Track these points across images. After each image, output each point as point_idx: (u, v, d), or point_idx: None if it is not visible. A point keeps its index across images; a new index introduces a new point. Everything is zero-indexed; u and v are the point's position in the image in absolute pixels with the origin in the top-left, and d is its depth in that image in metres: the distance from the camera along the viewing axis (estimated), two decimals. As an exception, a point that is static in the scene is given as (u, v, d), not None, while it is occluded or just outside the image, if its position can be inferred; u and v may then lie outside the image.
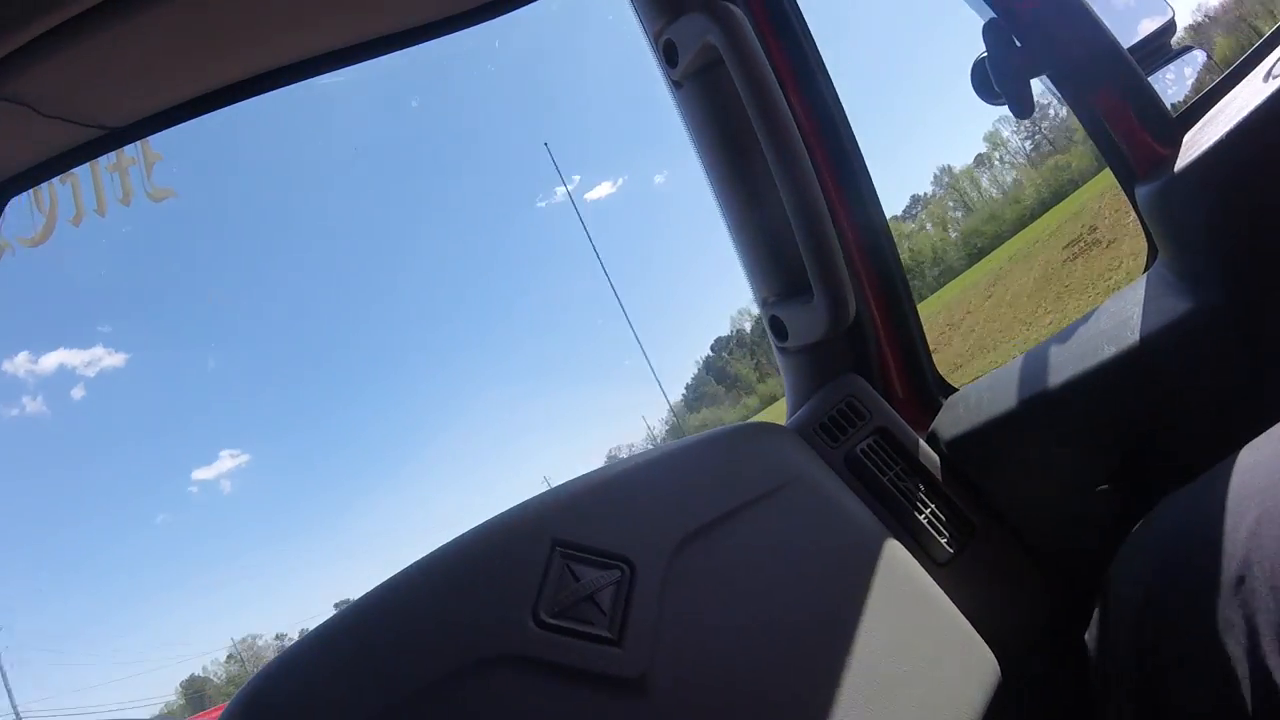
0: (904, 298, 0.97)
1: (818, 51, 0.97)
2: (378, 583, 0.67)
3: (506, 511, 0.71)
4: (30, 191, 0.78)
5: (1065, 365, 0.75)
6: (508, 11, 0.94)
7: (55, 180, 0.79)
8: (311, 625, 0.70)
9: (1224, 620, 0.48)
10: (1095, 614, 0.65)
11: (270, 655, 0.79)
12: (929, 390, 0.97)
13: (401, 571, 0.67)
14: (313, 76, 0.88)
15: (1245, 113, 0.60)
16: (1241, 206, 0.58)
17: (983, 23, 0.78)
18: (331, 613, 0.72)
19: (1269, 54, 0.70)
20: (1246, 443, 0.57)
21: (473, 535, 0.69)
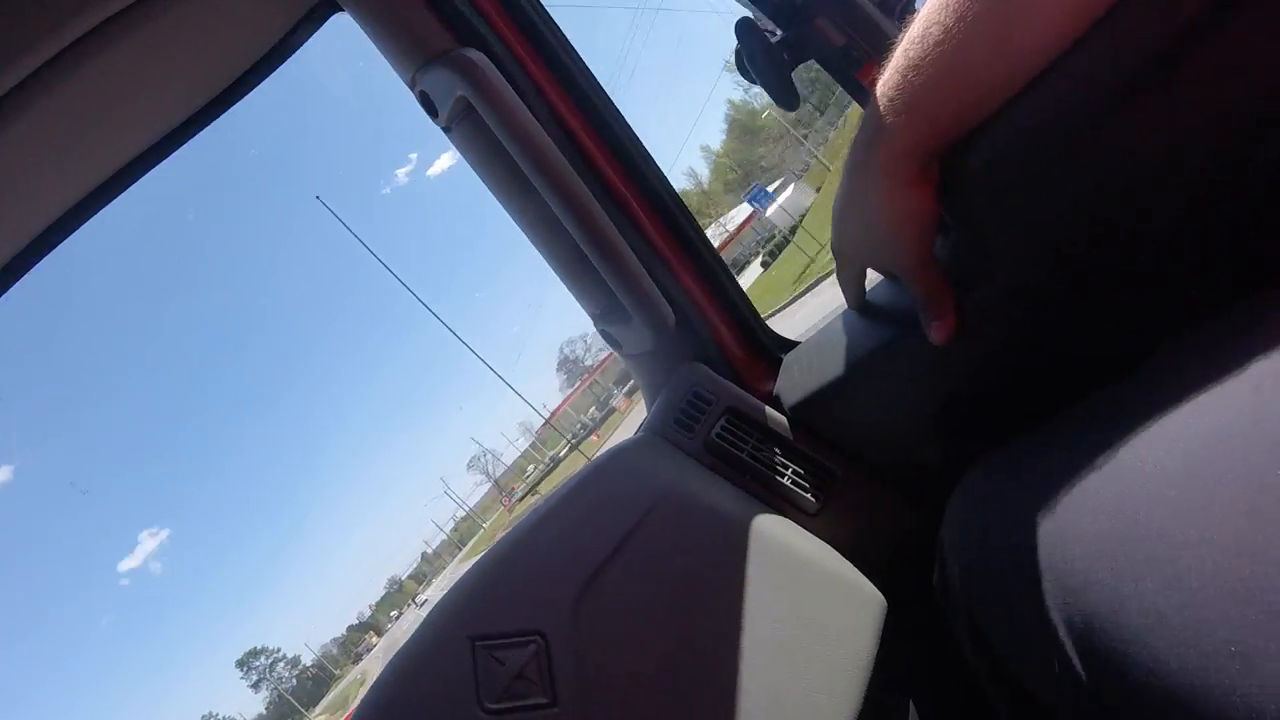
0: (720, 273, 1.00)
1: (582, 63, 0.96)
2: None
3: (422, 624, 0.76)
4: None
5: (882, 321, 0.79)
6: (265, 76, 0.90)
7: None
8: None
9: (1022, 611, 0.52)
10: (935, 570, 0.71)
11: None
12: (767, 350, 1.01)
13: (365, 700, 0.73)
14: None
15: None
16: (1031, 181, 0.60)
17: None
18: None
19: None
20: (1046, 410, 0.63)
21: (402, 657, 0.74)
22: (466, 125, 0.92)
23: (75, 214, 0.82)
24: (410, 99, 0.94)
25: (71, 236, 0.82)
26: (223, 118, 0.88)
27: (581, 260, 0.92)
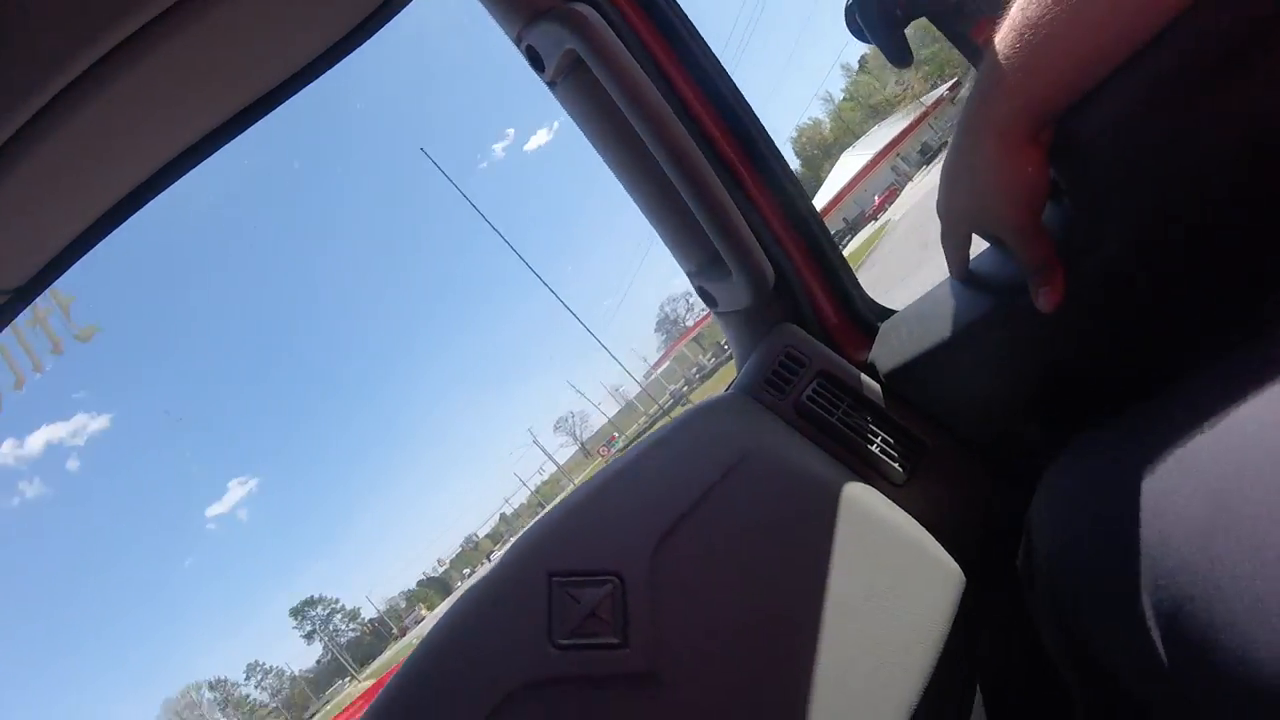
0: (821, 237, 0.99)
1: (687, 20, 0.96)
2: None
3: (504, 555, 0.80)
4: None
5: (986, 290, 0.77)
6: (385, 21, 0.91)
7: (-18, 354, 0.78)
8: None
9: (1119, 595, 0.51)
10: (1020, 549, 0.70)
11: None
12: (864, 318, 1.00)
13: (429, 633, 0.77)
14: (191, 168, 0.86)
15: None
16: (1146, 150, 0.58)
17: None
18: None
19: None
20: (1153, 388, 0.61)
21: (481, 585, 0.78)
22: (573, 80, 0.93)
23: (190, 154, 0.85)
24: (507, 73, 0.96)
25: (179, 183, 0.86)
26: (328, 83, 0.91)
27: (684, 215, 0.92)
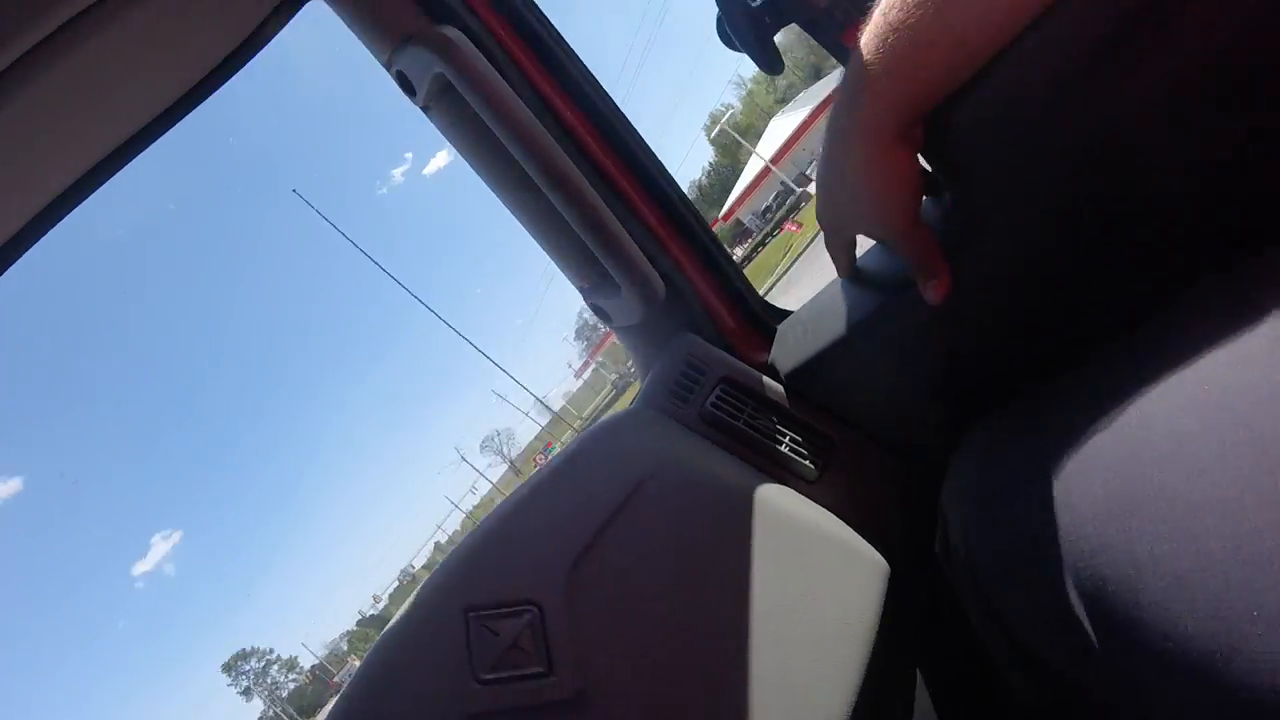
0: (709, 243, 1.00)
1: (561, 39, 0.95)
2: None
3: (417, 593, 0.77)
4: None
5: (876, 286, 0.79)
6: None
7: None
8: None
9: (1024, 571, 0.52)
10: (938, 535, 0.71)
11: None
12: (760, 320, 1.00)
13: (350, 683, 0.74)
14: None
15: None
16: (1020, 137, 0.60)
17: None
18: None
19: None
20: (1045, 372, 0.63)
21: (396, 628, 0.75)
22: (445, 103, 0.91)
23: (57, 206, 0.81)
24: (401, 96, 0.93)
25: (54, 230, 0.82)
26: (209, 111, 0.88)
27: (568, 234, 0.91)
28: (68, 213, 0.82)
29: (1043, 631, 0.54)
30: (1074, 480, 0.50)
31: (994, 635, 0.63)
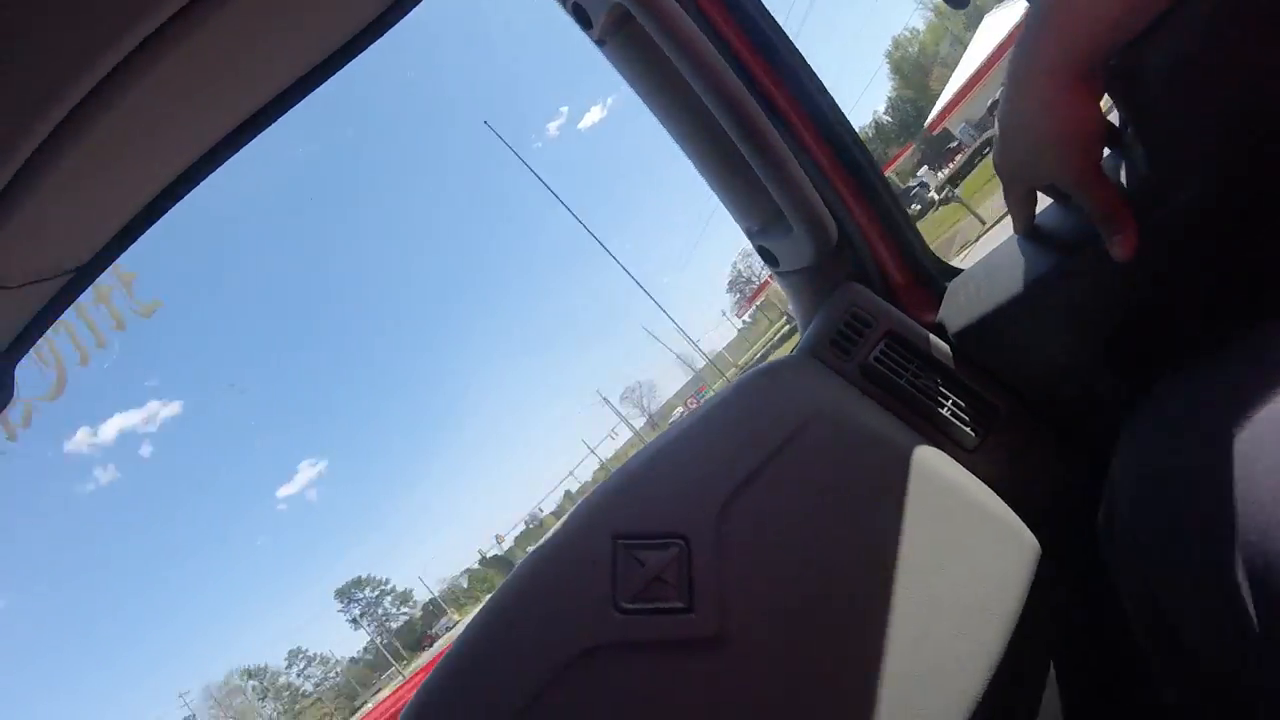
0: (885, 196, 0.96)
1: None
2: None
3: (569, 516, 0.79)
4: (31, 353, 0.80)
5: (1055, 245, 0.74)
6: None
7: (48, 332, 0.82)
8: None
9: (1209, 550, 0.48)
10: (1102, 502, 0.67)
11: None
12: (930, 278, 0.96)
13: (495, 593, 0.77)
14: (251, 139, 0.85)
15: None
16: (1214, 83, 0.55)
17: None
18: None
19: None
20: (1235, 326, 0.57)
21: (547, 547, 0.78)
22: (622, 36, 0.90)
23: (235, 136, 0.84)
24: (559, 50, 0.93)
25: (232, 163, 0.85)
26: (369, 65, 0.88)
27: (743, 172, 0.89)
28: (247, 142, 0.85)
29: (1201, 610, 0.50)
30: (1257, 447, 0.46)
31: (1145, 621, 0.60)
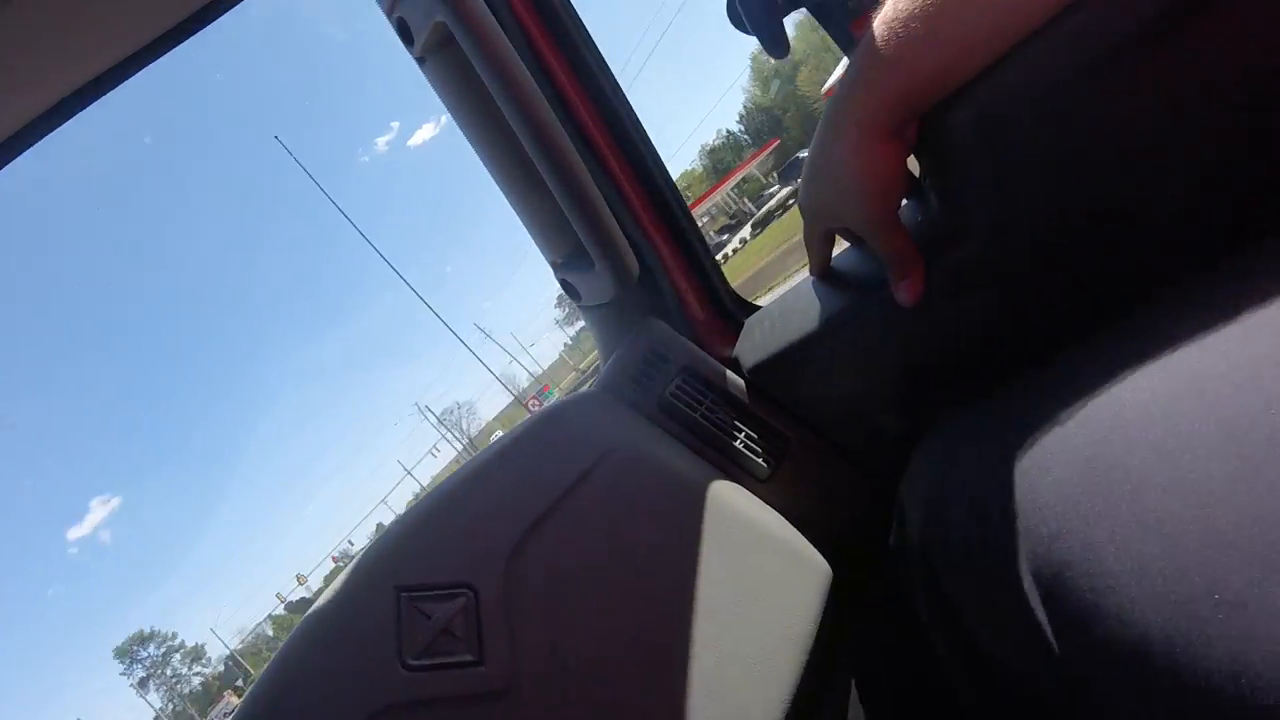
0: (689, 232, 0.98)
1: (572, 8, 0.92)
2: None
3: (349, 569, 0.73)
4: None
5: (848, 286, 0.78)
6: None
7: None
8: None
9: (987, 566, 0.52)
10: (893, 527, 0.71)
11: None
12: (729, 313, 0.99)
13: (275, 657, 0.70)
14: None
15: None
16: (1013, 145, 0.59)
17: None
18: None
19: None
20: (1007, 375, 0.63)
21: (327, 604, 0.71)
22: (442, 56, 0.88)
23: (31, 130, 0.76)
24: (394, 65, 0.91)
25: (20, 157, 0.77)
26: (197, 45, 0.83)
27: (549, 204, 0.89)
28: (42, 137, 0.78)
29: (995, 621, 0.53)
30: (1037, 465, 0.50)
31: (942, 631, 0.63)
